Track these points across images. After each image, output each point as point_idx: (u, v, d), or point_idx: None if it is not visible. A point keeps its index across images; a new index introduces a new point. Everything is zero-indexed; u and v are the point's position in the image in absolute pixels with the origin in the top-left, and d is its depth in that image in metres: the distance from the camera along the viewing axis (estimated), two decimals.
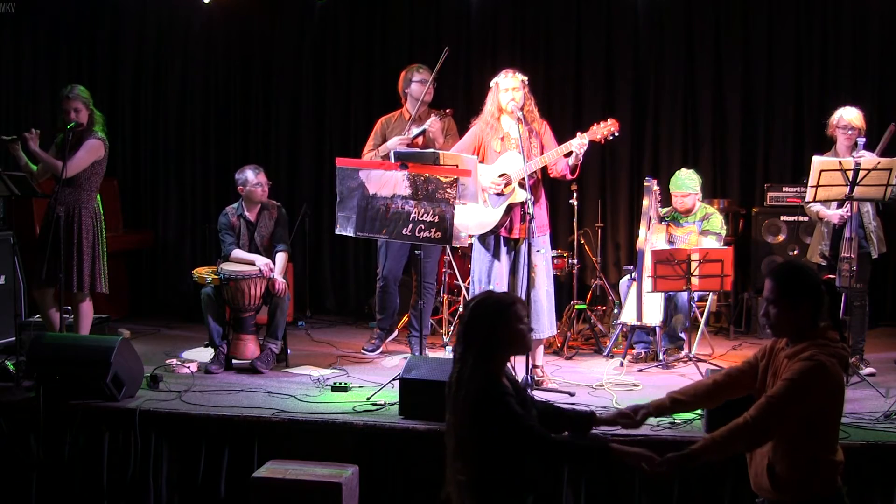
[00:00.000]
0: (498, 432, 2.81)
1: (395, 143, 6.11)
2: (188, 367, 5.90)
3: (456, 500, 2.96)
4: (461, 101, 7.64)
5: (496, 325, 2.91)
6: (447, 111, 6.29)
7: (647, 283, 5.89)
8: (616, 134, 5.48)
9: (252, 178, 6.09)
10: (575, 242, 7.24)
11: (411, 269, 6.60)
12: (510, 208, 5.45)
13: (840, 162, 5.45)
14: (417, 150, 5.94)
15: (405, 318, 6.84)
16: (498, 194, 5.42)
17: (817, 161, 5.48)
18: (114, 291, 6.30)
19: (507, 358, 2.97)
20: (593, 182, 7.96)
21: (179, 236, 8.43)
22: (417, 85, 6.27)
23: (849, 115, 5.79)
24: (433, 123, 6.08)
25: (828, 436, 3.06)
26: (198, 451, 4.90)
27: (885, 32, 7.59)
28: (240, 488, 4.73)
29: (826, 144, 6.20)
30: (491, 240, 5.53)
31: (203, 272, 6.11)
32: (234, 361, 5.98)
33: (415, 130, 6.11)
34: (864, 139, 5.64)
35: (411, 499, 4.68)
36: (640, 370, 6.01)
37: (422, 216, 5.12)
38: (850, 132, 5.75)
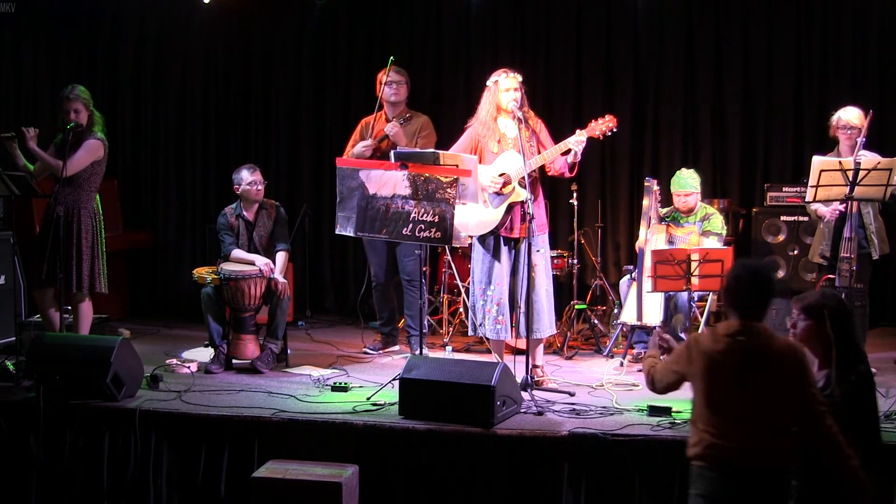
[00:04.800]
0: None
1: (359, 150, 6.27)
2: (188, 367, 5.90)
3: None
4: (461, 101, 7.66)
5: None
6: (408, 115, 6.37)
7: (647, 283, 5.89)
8: (615, 130, 5.49)
9: (248, 176, 6.10)
10: (575, 242, 7.24)
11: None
12: (510, 208, 5.45)
13: (840, 162, 5.45)
14: (417, 150, 5.95)
15: (404, 319, 6.85)
16: (497, 193, 5.42)
17: (817, 161, 5.47)
18: (114, 291, 6.29)
19: None
20: (593, 182, 7.96)
21: (179, 236, 8.42)
22: (385, 87, 6.37)
23: (847, 116, 5.79)
24: (391, 128, 6.21)
25: (698, 408, 3.38)
26: (198, 451, 4.90)
27: (885, 32, 7.59)
28: (240, 488, 4.73)
29: (827, 144, 6.20)
30: (491, 240, 5.53)
31: (203, 272, 6.10)
32: (234, 361, 5.98)
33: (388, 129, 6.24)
34: (863, 139, 5.64)
35: (411, 499, 4.68)
36: (640, 370, 6.00)
37: (422, 216, 5.12)
38: (849, 132, 5.75)
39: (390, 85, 6.32)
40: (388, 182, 5.17)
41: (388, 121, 6.37)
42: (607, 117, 5.47)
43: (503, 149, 5.49)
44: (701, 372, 3.35)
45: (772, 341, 3.30)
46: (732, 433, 3.27)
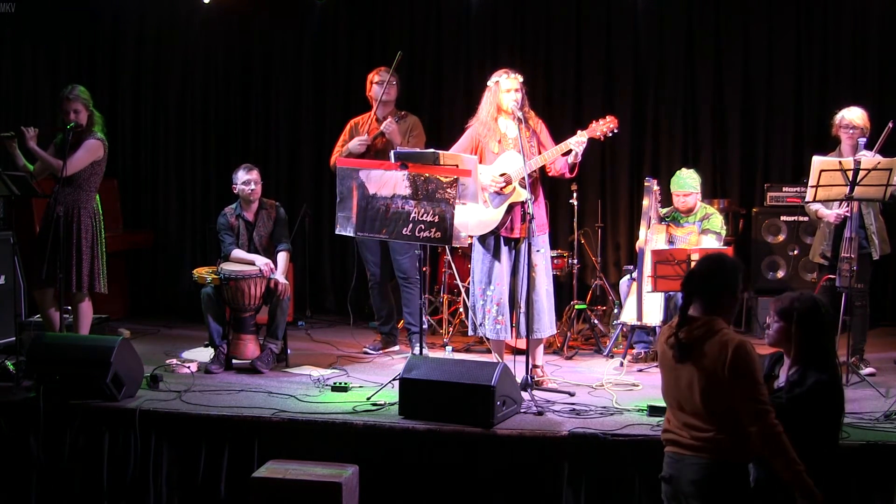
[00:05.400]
0: None
1: (354, 145, 6.26)
2: (188, 367, 5.90)
3: None
4: (461, 101, 7.66)
5: None
6: (402, 113, 6.39)
7: (647, 283, 5.89)
8: (616, 131, 5.49)
9: (243, 176, 6.10)
10: (575, 242, 7.24)
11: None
12: (511, 208, 5.45)
13: (840, 162, 5.45)
14: (417, 150, 5.96)
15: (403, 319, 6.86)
16: (498, 193, 5.42)
17: (817, 161, 5.47)
18: (114, 291, 6.30)
19: None
20: (593, 182, 7.96)
21: (179, 236, 8.42)
22: (376, 87, 6.38)
23: (850, 115, 5.78)
24: (388, 125, 6.23)
25: None
26: (198, 451, 4.90)
27: (885, 33, 7.59)
28: (240, 488, 4.73)
29: (827, 144, 6.20)
30: (491, 240, 5.53)
31: (203, 272, 6.11)
32: (234, 361, 5.98)
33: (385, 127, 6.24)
34: (865, 139, 5.64)
35: (411, 499, 4.68)
36: (640, 370, 6.01)
37: (422, 216, 5.12)
38: (851, 131, 5.75)
39: (382, 84, 6.33)
40: (388, 182, 5.17)
41: (378, 120, 6.37)
42: (608, 118, 5.47)
43: (504, 149, 5.49)
44: (658, 361, 3.56)
45: (709, 336, 3.30)
46: (676, 422, 3.40)
